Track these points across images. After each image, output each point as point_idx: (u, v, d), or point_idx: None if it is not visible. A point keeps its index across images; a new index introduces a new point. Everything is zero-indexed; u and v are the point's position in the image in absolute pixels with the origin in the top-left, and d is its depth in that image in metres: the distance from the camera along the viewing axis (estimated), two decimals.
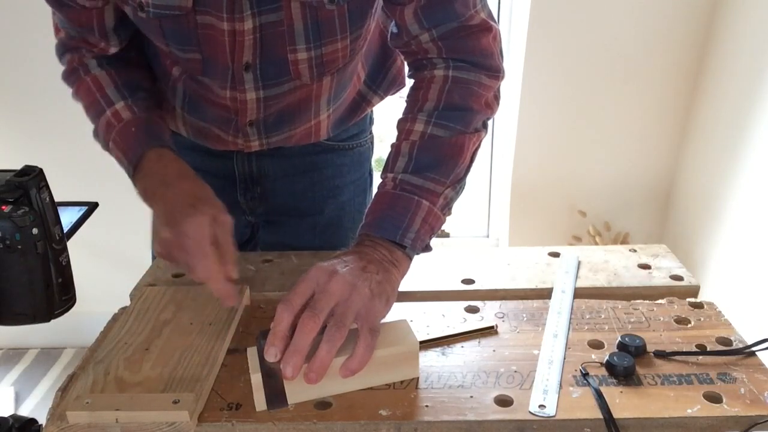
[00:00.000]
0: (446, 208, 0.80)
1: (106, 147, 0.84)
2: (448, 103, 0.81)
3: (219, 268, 0.70)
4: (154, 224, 0.75)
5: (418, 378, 0.70)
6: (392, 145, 0.82)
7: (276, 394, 0.65)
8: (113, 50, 0.86)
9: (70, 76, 0.88)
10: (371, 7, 0.80)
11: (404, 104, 0.85)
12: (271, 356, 0.64)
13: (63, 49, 0.88)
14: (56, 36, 0.88)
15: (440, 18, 0.79)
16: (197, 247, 0.69)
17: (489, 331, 0.78)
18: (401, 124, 0.83)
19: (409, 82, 0.89)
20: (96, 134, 0.86)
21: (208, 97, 0.89)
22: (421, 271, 0.92)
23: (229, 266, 0.71)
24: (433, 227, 0.78)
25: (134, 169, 0.79)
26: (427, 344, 0.76)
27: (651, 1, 1.78)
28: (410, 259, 0.77)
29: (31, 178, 0.64)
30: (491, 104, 0.84)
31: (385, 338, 0.68)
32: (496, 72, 0.83)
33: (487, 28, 0.81)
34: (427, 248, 0.79)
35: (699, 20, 1.80)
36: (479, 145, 0.83)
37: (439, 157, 0.79)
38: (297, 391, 0.66)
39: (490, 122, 0.85)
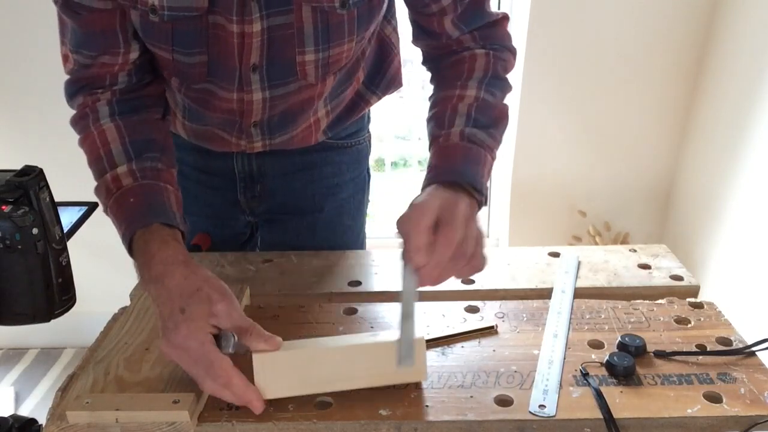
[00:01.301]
0: (492, 169, 0.82)
1: (105, 211, 0.79)
2: (494, 74, 0.85)
3: (229, 373, 0.63)
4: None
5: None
6: (436, 112, 0.83)
7: (408, 350, 0.64)
8: (134, 56, 0.81)
9: (78, 122, 0.83)
10: (379, 10, 0.82)
11: (438, 81, 0.88)
12: (420, 260, 0.66)
13: (74, 89, 0.83)
14: (66, 67, 0.83)
15: (476, 19, 0.84)
16: (202, 359, 0.63)
17: (489, 331, 0.78)
18: (447, 92, 0.84)
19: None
20: (97, 193, 0.81)
21: (211, 103, 0.88)
22: None
23: (264, 343, 0.65)
24: (487, 181, 0.79)
25: (129, 249, 0.74)
26: (427, 344, 0.76)
27: (651, 1, 1.78)
28: (480, 208, 0.76)
29: (31, 178, 0.64)
30: (510, 82, 0.90)
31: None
32: (515, 52, 0.91)
33: (505, 17, 0.88)
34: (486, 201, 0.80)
35: (699, 20, 1.80)
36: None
37: (493, 119, 0.82)
38: (307, 379, 0.66)
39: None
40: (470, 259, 0.69)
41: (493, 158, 0.80)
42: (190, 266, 0.69)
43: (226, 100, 0.87)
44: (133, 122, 0.82)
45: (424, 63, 0.91)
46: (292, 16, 0.77)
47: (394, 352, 0.66)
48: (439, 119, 0.82)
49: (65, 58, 0.82)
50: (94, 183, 0.81)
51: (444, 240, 0.67)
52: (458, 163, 0.76)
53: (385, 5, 0.83)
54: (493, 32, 0.87)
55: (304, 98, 0.90)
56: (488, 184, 0.79)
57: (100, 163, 0.80)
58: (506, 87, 0.87)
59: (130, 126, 0.82)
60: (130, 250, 0.74)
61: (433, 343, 0.76)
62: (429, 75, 0.91)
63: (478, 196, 0.74)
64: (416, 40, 0.89)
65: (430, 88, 0.89)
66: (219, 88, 0.85)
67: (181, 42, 0.79)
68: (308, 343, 0.68)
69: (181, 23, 0.77)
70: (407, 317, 0.65)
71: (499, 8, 1.95)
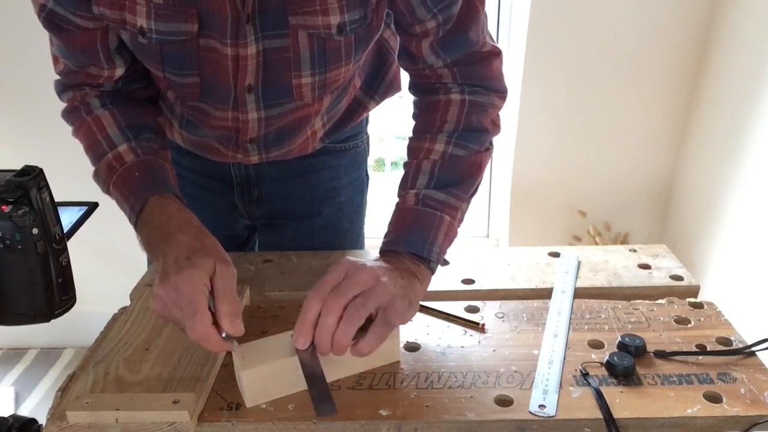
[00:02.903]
0: (461, 221, 0.81)
1: (106, 190, 0.80)
2: (467, 126, 0.82)
3: (209, 329, 0.64)
4: (154, 279, 0.69)
5: (417, 378, 0.70)
6: (407, 164, 0.83)
7: (324, 399, 0.64)
8: (119, 72, 0.82)
9: (70, 115, 0.84)
10: (377, 31, 0.81)
11: (414, 124, 0.86)
12: (300, 344, 0.66)
13: (63, 87, 0.85)
14: (55, 68, 0.84)
15: (456, 48, 0.80)
16: (187, 305, 0.64)
17: (474, 326, 0.79)
18: (417, 143, 0.83)
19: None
20: (96, 176, 0.82)
21: (206, 120, 0.88)
22: None
23: (228, 321, 0.65)
24: (451, 240, 0.79)
25: (137, 216, 0.75)
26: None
27: (651, 1, 1.78)
28: (432, 272, 0.77)
29: (31, 178, 0.64)
30: (497, 123, 0.86)
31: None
32: (504, 93, 0.86)
33: (495, 53, 0.83)
34: (446, 262, 0.80)
35: (699, 20, 1.80)
36: (488, 162, 0.85)
37: (460, 175, 0.81)
38: (293, 382, 0.67)
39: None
40: (374, 327, 0.67)
41: (455, 216, 0.79)
42: (203, 231, 0.72)
43: (221, 119, 0.86)
44: (126, 110, 0.84)
45: (409, 89, 0.89)
46: (288, 40, 0.76)
47: None
48: (404, 176, 0.83)
49: (55, 60, 0.83)
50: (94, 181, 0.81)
51: (326, 304, 0.65)
52: (405, 232, 0.77)
53: (383, 26, 0.81)
54: (475, 71, 0.82)
55: (301, 116, 0.90)
56: (447, 245, 0.79)
57: (98, 147, 0.81)
58: (483, 137, 0.83)
59: (124, 113, 0.83)
60: (138, 217, 0.75)
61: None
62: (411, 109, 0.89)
63: (425, 264, 0.76)
64: (399, 59, 0.88)
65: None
66: (213, 108, 0.85)
67: (172, 63, 0.78)
68: (287, 337, 0.69)
69: (170, 46, 0.76)
70: (313, 378, 0.66)
71: (499, 8, 1.95)
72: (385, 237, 0.78)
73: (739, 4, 1.69)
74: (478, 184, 0.83)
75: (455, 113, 0.82)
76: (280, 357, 0.67)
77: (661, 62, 1.86)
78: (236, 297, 0.67)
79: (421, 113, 0.86)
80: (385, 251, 0.76)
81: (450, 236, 0.78)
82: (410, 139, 0.85)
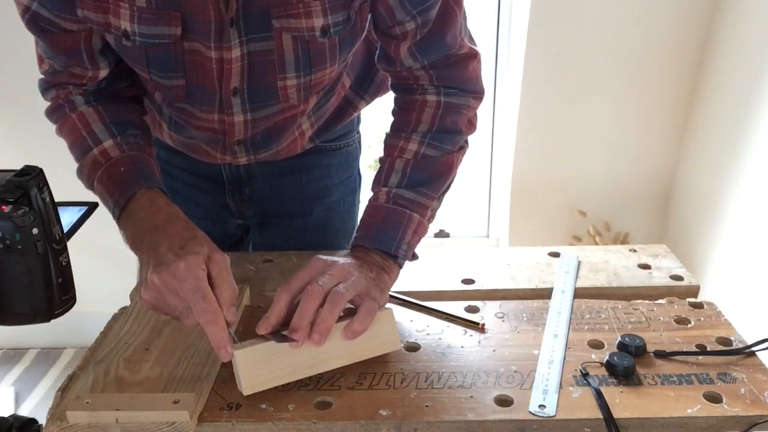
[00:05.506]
0: (432, 218, 0.84)
1: (90, 186, 0.80)
2: (441, 127, 0.84)
3: (218, 310, 0.64)
4: (141, 273, 0.69)
5: (417, 378, 0.70)
6: (381, 160, 0.85)
7: (281, 335, 0.67)
8: (103, 74, 0.82)
9: (54, 113, 0.85)
10: (362, 33, 0.81)
11: (392, 120, 0.87)
12: (261, 329, 0.67)
13: (47, 85, 0.85)
14: (40, 68, 0.84)
15: (433, 52, 0.81)
16: (192, 289, 0.64)
17: (474, 326, 0.79)
18: (392, 141, 0.85)
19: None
20: (80, 173, 0.82)
21: (192, 122, 0.88)
22: (421, 271, 0.92)
23: (230, 309, 0.66)
24: (420, 237, 0.82)
25: (121, 210, 0.75)
26: (408, 305, 0.82)
27: (651, 1, 1.78)
28: (400, 267, 0.80)
29: (31, 178, 0.64)
30: (473, 123, 0.87)
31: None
32: (481, 94, 0.87)
33: (472, 55, 0.84)
34: (415, 256, 0.83)
35: (699, 20, 1.80)
36: (462, 160, 0.87)
37: (431, 174, 0.83)
38: (288, 367, 0.68)
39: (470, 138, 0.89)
40: (362, 305, 0.70)
41: (425, 215, 0.81)
42: (191, 224, 0.73)
43: (207, 121, 0.86)
44: (111, 106, 0.84)
45: (390, 86, 0.90)
46: (272, 43, 0.76)
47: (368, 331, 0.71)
48: (378, 172, 0.84)
49: (40, 60, 0.84)
50: None
51: (307, 294, 0.68)
52: (375, 229, 0.79)
53: (367, 27, 0.81)
54: (451, 73, 0.83)
55: (288, 117, 0.90)
56: (417, 240, 0.81)
57: (83, 143, 0.81)
58: (456, 138, 0.85)
59: (109, 109, 0.83)
60: (123, 210, 0.75)
61: (407, 304, 0.82)
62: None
63: (392, 259, 0.78)
64: (378, 60, 0.88)
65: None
66: (199, 110, 0.85)
67: (157, 66, 0.78)
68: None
69: (154, 49, 0.76)
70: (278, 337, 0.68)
71: (499, 8, 1.95)
72: (356, 232, 0.80)
73: (739, 5, 1.69)
74: (450, 182, 0.85)
75: (430, 114, 0.84)
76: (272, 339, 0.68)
77: (661, 62, 1.86)
78: (234, 283, 0.68)
79: (398, 111, 0.87)
80: (356, 246, 0.79)
81: (419, 233, 0.81)
82: (387, 135, 0.86)
